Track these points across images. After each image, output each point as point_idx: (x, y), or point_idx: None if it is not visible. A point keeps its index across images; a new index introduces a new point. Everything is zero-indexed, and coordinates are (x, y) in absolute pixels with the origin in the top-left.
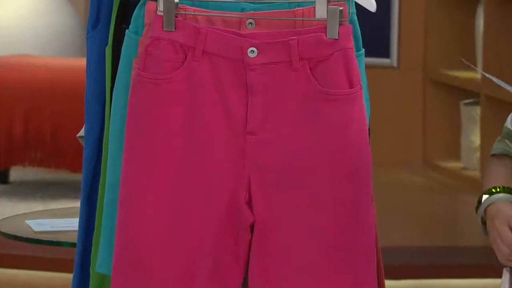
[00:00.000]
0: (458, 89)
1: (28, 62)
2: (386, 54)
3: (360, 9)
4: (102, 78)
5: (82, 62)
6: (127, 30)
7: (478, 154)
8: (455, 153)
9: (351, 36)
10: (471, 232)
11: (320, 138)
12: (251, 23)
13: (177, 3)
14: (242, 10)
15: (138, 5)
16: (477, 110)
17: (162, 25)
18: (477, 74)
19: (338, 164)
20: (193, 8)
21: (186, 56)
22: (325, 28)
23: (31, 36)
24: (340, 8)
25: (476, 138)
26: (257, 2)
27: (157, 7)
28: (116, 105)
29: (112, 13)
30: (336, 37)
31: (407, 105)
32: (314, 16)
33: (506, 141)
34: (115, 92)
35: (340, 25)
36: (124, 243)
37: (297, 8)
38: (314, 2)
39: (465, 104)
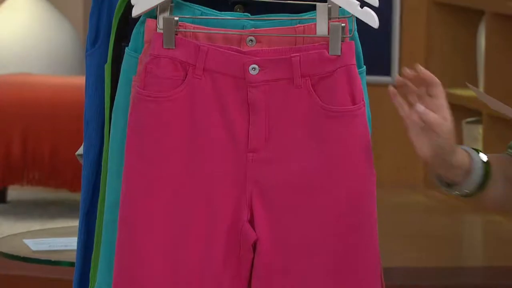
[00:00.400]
0: (460, 107)
1: (26, 80)
2: (387, 72)
3: (361, 26)
4: (101, 96)
5: (81, 80)
6: (126, 48)
7: None
8: None
9: (354, 53)
10: (474, 253)
11: (323, 156)
12: (251, 40)
13: (177, 21)
14: (243, 27)
15: (138, 23)
16: (479, 129)
17: (162, 43)
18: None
19: (342, 182)
20: (193, 25)
21: (186, 74)
22: (327, 44)
23: (29, 54)
24: (342, 24)
25: None
26: (258, 19)
27: (157, 25)
28: (116, 123)
29: (111, 30)
30: (339, 54)
31: None
32: (315, 33)
33: None
34: (115, 111)
35: (342, 41)
36: (124, 263)
37: (298, 25)
38: (315, 19)
39: (467, 122)
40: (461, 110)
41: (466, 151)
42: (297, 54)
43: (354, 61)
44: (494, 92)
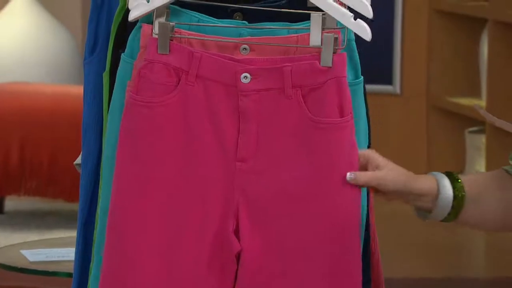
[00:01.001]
0: (463, 117)
1: (24, 89)
2: (388, 81)
3: (361, 38)
4: (100, 104)
5: (79, 88)
6: (122, 54)
7: None
8: None
9: (345, 64)
10: (476, 263)
11: (311, 167)
12: (245, 48)
13: (172, 26)
14: (240, 35)
15: (135, 28)
16: (482, 139)
17: (157, 48)
18: (482, 102)
19: (327, 194)
20: (188, 32)
21: (179, 80)
22: (318, 55)
23: (26, 63)
24: (335, 35)
25: (481, 167)
26: (254, 27)
27: (152, 30)
28: (111, 129)
29: (110, 38)
30: (330, 65)
31: (411, 133)
32: (309, 43)
33: None
34: (110, 117)
35: (334, 53)
36: (113, 268)
37: (291, 35)
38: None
39: (470, 132)
40: (464, 120)
41: (434, 177)
42: (289, 64)
43: (345, 73)
44: (497, 101)
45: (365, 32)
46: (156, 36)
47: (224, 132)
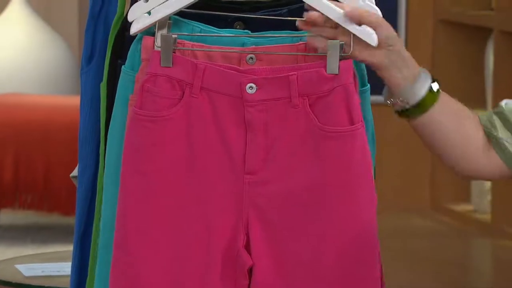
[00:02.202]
0: None
1: (18, 101)
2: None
3: None
4: (97, 115)
5: (75, 100)
6: (123, 66)
7: (489, 197)
8: (465, 196)
9: (352, 71)
10: (482, 277)
11: (321, 178)
12: (251, 58)
13: (175, 38)
14: (243, 44)
15: (135, 40)
16: None
17: (160, 61)
18: (487, 113)
19: (341, 205)
20: (191, 43)
21: (183, 93)
22: (325, 63)
23: (21, 73)
24: (341, 42)
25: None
26: (258, 36)
27: (154, 43)
28: (112, 144)
29: (107, 47)
30: (336, 72)
31: (415, 145)
32: (316, 51)
33: (495, 118)
34: (111, 131)
35: (340, 59)
36: (120, 285)
37: (299, 43)
38: None
39: None
40: None
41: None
42: (295, 72)
43: (352, 80)
44: None
45: (371, 37)
46: (159, 49)
47: (231, 144)
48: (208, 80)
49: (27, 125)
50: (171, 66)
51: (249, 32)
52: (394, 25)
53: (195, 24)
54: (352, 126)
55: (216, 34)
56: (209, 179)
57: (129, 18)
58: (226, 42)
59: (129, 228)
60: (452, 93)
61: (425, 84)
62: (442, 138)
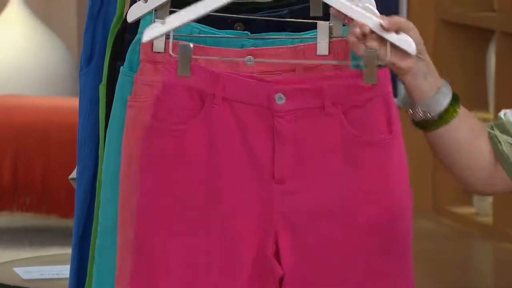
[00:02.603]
0: None
1: (16, 102)
2: (394, 94)
3: None
4: (96, 117)
5: (73, 102)
6: (121, 67)
7: (491, 199)
8: (467, 198)
9: (390, 79)
10: (483, 279)
11: (355, 186)
12: (250, 59)
13: (192, 48)
14: (242, 45)
15: (134, 41)
16: None
17: (176, 71)
18: (490, 115)
19: (375, 214)
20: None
21: (204, 103)
22: (360, 72)
23: (19, 75)
24: (375, 51)
25: None
26: (258, 37)
27: (152, 44)
28: (110, 145)
29: (107, 48)
30: (375, 83)
31: (416, 147)
32: (315, 53)
33: (496, 131)
34: (109, 133)
35: (378, 68)
36: None
37: (298, 44)
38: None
39: None
40: None
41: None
42: (327, 82)
43: (391, 88)
44: None
45: (410, 46)
46: (175, 56)
47: (257, 153)
48: (230, 90)
49: (25, 126)
50: (189, 76)
51: (249, 33)
52: None
53: (194, 25)
54: (391, 135)
55: (215, 35)
56: (235, 189)
57: (129, 19)
58: (224, 43)
59: (150, 241)
60: None
61: (447, 96)
62: (456, 151)
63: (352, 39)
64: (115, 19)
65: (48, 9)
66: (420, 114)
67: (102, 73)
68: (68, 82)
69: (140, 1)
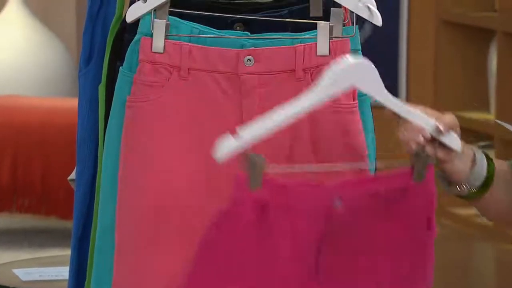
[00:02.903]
0: (471, 131)
1: (15, 103)
2: (394, 94)
3: (367, 48)
4: (95, 117)
5: (73, 102)
6: (120, 67)
7: None
8: None
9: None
10: (485, 281)
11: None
12: (249, 59)
13: (264, 161)
14: (242, 46)
15: (133, 41)
16: (491, 154)
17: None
18: (491, 116)
19: (404, 244)
20: (190, 44)
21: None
22: (411, 171)
23: (19, 75)
24: (430, 156)
25: None
26: (258, 38)
27: (152, 44)
28: (109, 146)
29: (106, 49)
30: (422, 180)
31: None
32: (316, 53)
33: None
34: (108, 133)
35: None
36: None
37: (298, 44)
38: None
39: (479, 147)
40: (472, 134)
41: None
42: (382, 186)
43: (435, 189)
44: (506, 114)
45: (457, 144)
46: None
47: None
48: (293, 201)
49: (24, 127)
50: (261, 188)
51: (248, 33)
52: (396, 26)
53: (194, 26)
54: (430, 232)
55: (215, 36)
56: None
57: (128, 19)
58: (224, 44)
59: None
60: (455, 95)
61: (483, 164)
62: (499, 207)
63: (412, 145)
64: (114, 19)
65: (47, 9)
66: (464, 189)
67: (101, 73)
68: (67, 83)
69: (139, 1)
